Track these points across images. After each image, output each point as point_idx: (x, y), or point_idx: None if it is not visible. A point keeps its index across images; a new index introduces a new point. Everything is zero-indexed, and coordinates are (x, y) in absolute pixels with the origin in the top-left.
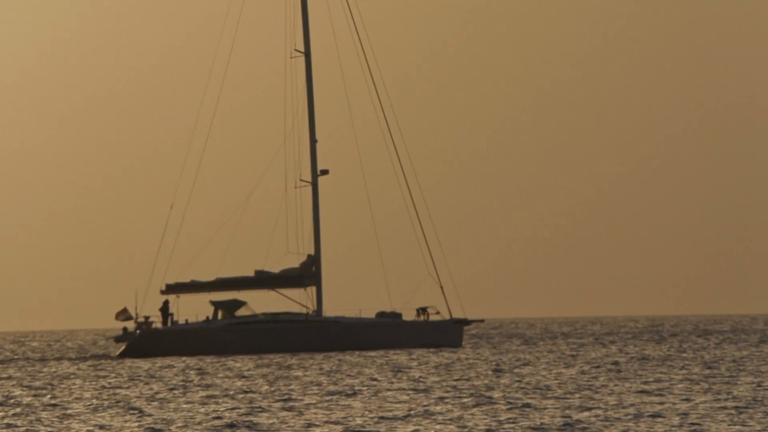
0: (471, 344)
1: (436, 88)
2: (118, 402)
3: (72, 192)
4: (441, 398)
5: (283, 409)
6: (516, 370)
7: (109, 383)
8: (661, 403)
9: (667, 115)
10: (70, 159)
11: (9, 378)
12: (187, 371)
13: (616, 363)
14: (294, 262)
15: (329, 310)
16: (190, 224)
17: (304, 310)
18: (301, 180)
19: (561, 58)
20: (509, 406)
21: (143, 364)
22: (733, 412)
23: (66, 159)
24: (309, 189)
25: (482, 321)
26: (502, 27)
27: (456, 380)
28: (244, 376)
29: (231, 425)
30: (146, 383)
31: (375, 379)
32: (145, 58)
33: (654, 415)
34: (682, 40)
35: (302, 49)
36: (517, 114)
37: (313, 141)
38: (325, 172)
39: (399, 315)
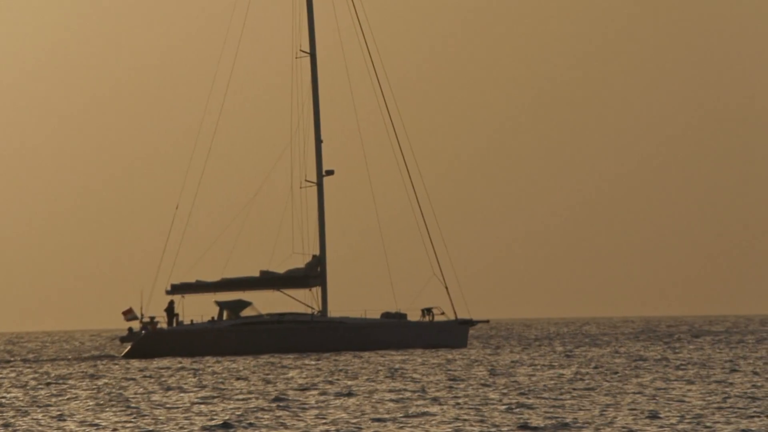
0: (469, 345)
1: (441, 88)
2: (117, 402)
3: (77, 192)
4: (436, 399)
5: (280, 408)
6: (512, 371)
7: (106, 383)
8: (656, 403)
9: (667, 115)
10: (76, 159)
11: (5, 378)
12: (185, 371)
13: (613, 363)
14: (299, 262)
15: (334, 311)
16: (196, 224)
17: (309, 311)
18: (306, 180)
19: (566, 59)
20: (505, 407)
21: (147, 365)
22: (727, 413)
23: (71, 159)
24: (314, 189)
25: (487, 322)
26: (506, 28)
27: (452, 380)
28: (242, 377)
29: (228, 426)
30: (144, 384)
31: (372, 380)
32: (151, 57)
33: (651, 417)
34: (682, 40)
35: (308, 50)
36: (522, 115)
37: (318, 141)
38: (330, 172)
39: (404, 315)
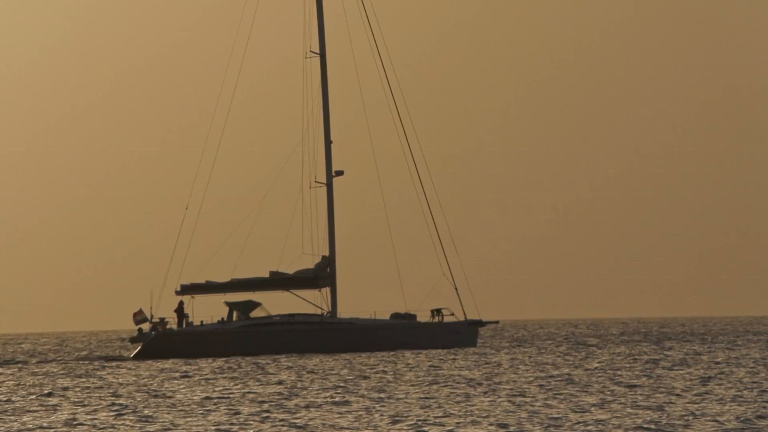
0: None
1: (451, 89)
2: (113, 403)
3: (86, 193)
4: (430, 398)
5: (274, 409)
6: (509, 370)
7: (103, 385)
8: (650, 400)
9: (666, 115)
10: (85, 160)
11: (3, 379)
12: (181, 373)
13: (610, 363)
14: (309, 263)
15: (344, 312)
16: (205, 225)
17: (318, 312)
18: (316, 181)
19: (577, 59)
20: (500, 407)
21: (155, 365)
22: (717, 412)
23: (80, 160)
24: (324, 190)
25: (497, 323)
26: (517, 29)
27: (448, 380)
28: (236, 377)
29: (223, 427)
30: (140, 384)
31: (365, 380)
32: (161, 58)
33: (647, 422)
34: (683, 40)
35: (317, 50)
36: (531, 118)
37: (328, 142)
38: (340, 173)
39: (413, 316)
